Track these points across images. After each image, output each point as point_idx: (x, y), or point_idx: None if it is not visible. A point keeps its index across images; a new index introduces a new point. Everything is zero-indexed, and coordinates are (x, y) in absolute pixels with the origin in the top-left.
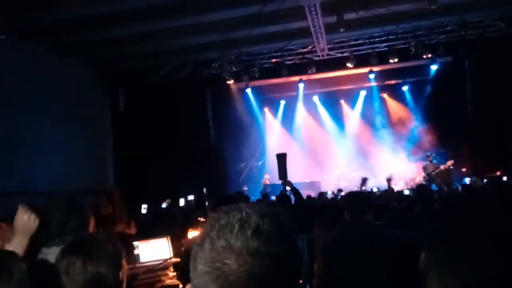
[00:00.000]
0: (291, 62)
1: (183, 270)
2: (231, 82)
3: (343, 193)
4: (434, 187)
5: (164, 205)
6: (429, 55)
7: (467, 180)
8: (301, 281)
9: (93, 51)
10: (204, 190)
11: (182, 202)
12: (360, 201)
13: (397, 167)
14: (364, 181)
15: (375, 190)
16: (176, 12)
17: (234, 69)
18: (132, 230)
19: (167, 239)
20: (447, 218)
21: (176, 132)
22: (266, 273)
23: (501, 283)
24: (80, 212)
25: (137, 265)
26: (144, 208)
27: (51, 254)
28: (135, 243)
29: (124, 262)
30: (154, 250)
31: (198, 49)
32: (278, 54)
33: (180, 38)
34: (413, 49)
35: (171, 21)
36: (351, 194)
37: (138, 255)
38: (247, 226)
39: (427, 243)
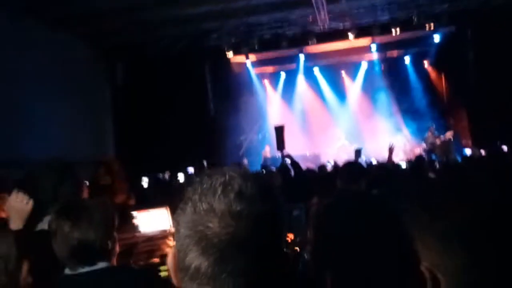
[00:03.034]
0: (291, 33)
1: None
2: (230, 54)
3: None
4: (434, 157)
5: (166, 176)
6: (432, 25)
7: (467, 151)
8: (297, 248)
9: (88, 23)
10: (204, 162)
11: (181, 176)
12: (351, 169)
13: (398, 138)
14: (358, 152)
15: (374, 162)
16: None
17: (233, 40)
18: (132, 202)
19: (166, 209)
20: (429, 183)
21: (175, 105)
22: (249, 235)
23: (478, 238)
24: (73, 178)
25: (136, 234)
26: (145, 182)
27: (46, 222)
28: (134, 213)
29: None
30: (153, 220)
31: (196, 19)
32: (278, 24)
33: (178, 9)
34: (415, 19)
35: None
36: (344, 164)
37: (137, 225)
38: (230, 188)
39: (409, 206)
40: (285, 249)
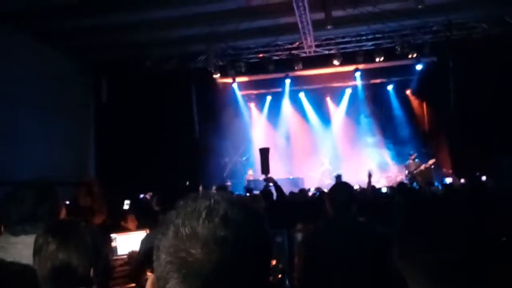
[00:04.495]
0: (278, 57)
1: None
2: (217, 76)
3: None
4: (415, 185)
5: (147, 196)
6: (414, 55)
7: (447, 180)
8: (280, 276)
9: (76, 39)
10: (187, 183)
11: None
12: (344, 193)
13: (380, 165)
14: (338, 178)
15: (356, 187)
16: (164, 3)
17: (220, 63)
18: (131, 225)
19: (147, 231)
20: (415, 214)
21: (160, 125)
22: (234, 262)
23: (459, 270)
24: (52, 198)
25: (115, 257)
26: (126, 204)
27: (19, 243)
28: (113, 236)
29: (106, 257)
30: (132, 243)
31: (184, 41)
32: (265, 49)
33: (166, 30)
34: (398, 49)
35: (158, 12)
36: (333, 187)
37: (115, 247)
38: (214, 213)
39: (398, 239)
40: (270, 278)
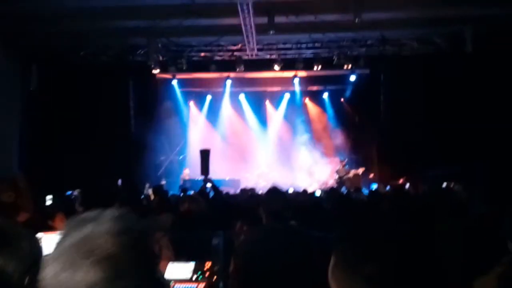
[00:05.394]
0: (220, 58)
1: None
2: (156, 71)
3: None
4: (343, 190)
5: (75, 193)
6: (349, 66)
7: (374, 187)
8: (215, 278)
9: (5, 24)
10: (119, 181)
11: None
12: (278, 200)
13: (313, 169)
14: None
15: (290, 190)
16: None
17: (161, 58)
18: (59, 224)
19: None
20: (352, 221)
21: (93, 119)
22: (132, 246)
23: (401, 277)
24: None
25: None
26: (49, 199)
27: None
28: (39, 235)
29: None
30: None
31: (124, 33)
32: (208, 48)
33: (106, 20)
34: (335, 59)
35: (98, 0)
36: (267, 192)
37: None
38: (109, 214)
39: (336, 247)
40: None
